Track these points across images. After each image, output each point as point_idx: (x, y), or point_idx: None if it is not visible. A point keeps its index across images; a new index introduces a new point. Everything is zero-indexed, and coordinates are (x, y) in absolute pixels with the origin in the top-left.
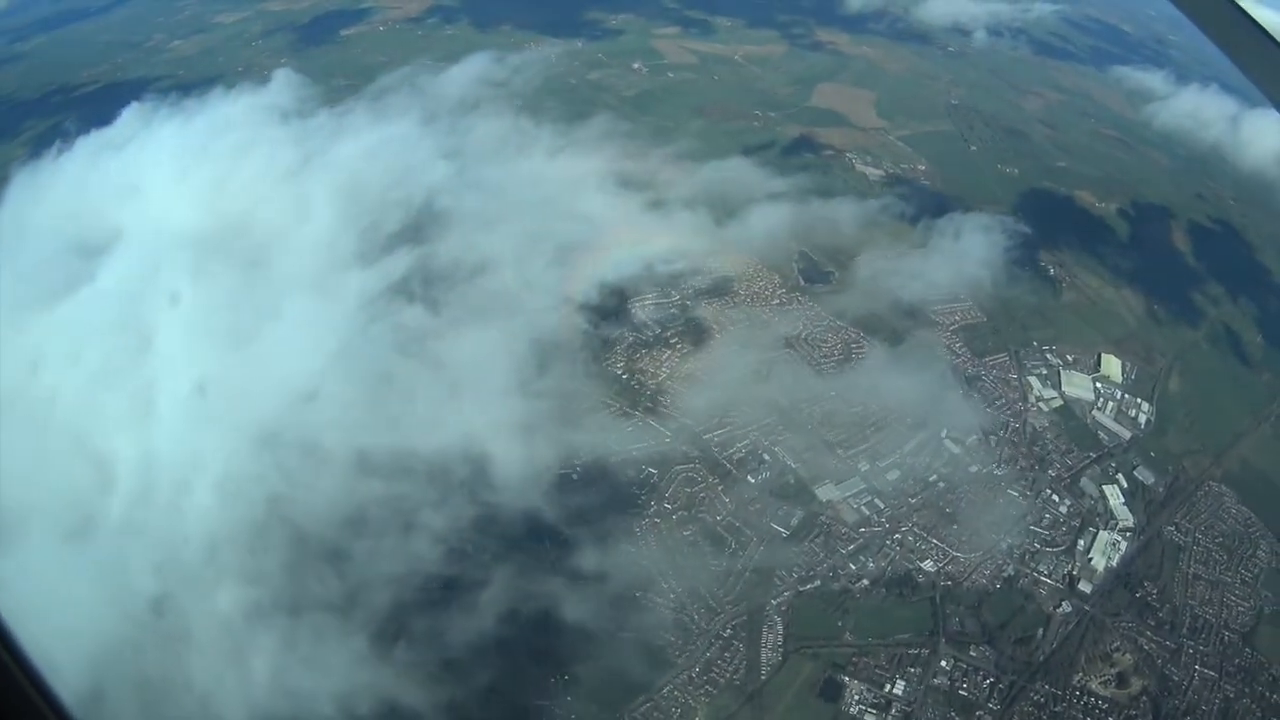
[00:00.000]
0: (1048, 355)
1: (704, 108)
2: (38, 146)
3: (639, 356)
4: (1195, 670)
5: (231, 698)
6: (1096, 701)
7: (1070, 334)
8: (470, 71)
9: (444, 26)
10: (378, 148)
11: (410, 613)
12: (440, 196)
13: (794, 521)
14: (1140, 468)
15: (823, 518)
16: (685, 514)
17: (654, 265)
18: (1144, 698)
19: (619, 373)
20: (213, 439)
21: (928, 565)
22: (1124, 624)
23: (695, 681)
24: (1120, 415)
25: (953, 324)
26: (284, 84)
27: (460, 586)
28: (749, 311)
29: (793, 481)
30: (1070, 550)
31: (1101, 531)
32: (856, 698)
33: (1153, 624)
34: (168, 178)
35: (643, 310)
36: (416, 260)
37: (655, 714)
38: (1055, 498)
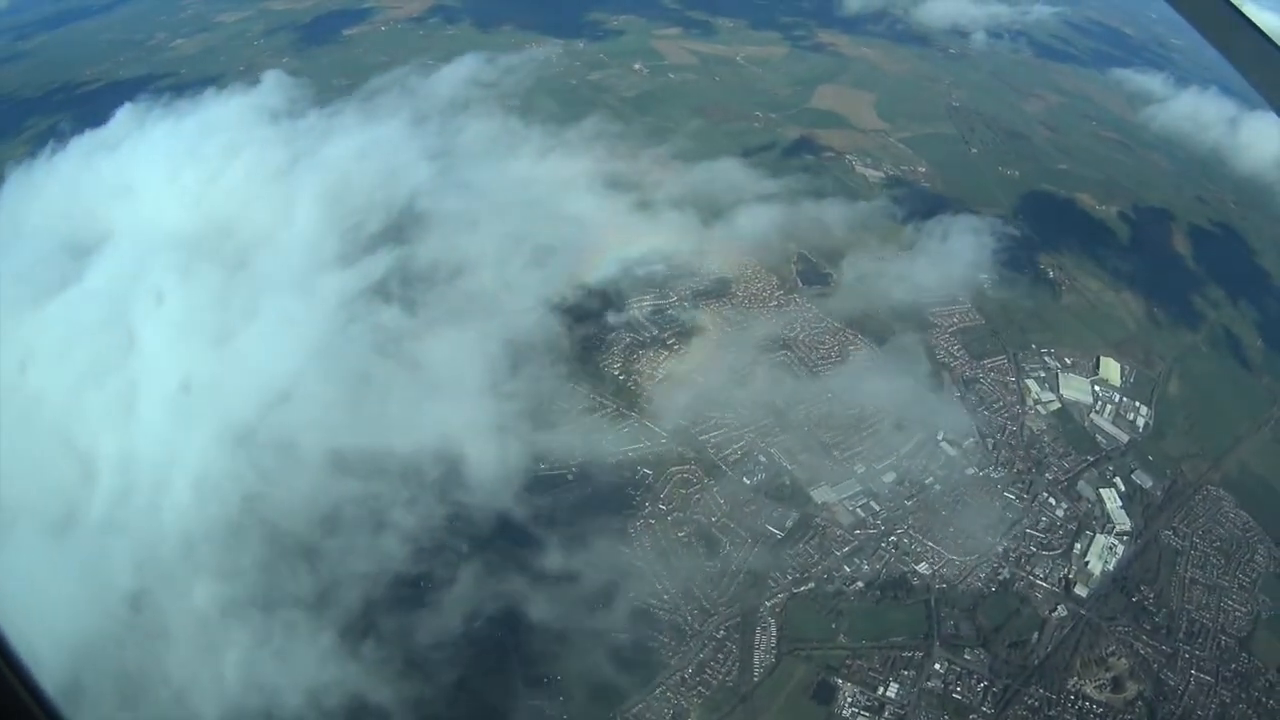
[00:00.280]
0: (1046, 358)
1: (704, 109)
2: (39, 144)
3: (636, 358)
4: (1191, 675)
5: (206, 691)
6: (1091, 706)
7: (1069, 337)
8: (464, 72)
9: (446, 26)
10: (366, 149)
11: (408, 610)
12: (425, 198)
13: (789, 523)
14: (1138, 471)
15: (818, 520)
16: (680, 515)
17: (651, 267)
18: (1139, 702)
19: (616, 374)
20: (191, 438)
21: (923, 568)
22: (1120, 628)
23: (688, 683)
24: (1118, 418)
25: (951, 326)
26: (275, 85)
27: (438, 585)
28: (746, 313)
29: (788, 483)
30: (1066, 554)
31: (1098, 535)
32: (849, 700)
33: (1149, 628)
34: (158, 178)
35: (640, 311)
36: (397, 261)
37: (648, 715)
38: (1052, 501)
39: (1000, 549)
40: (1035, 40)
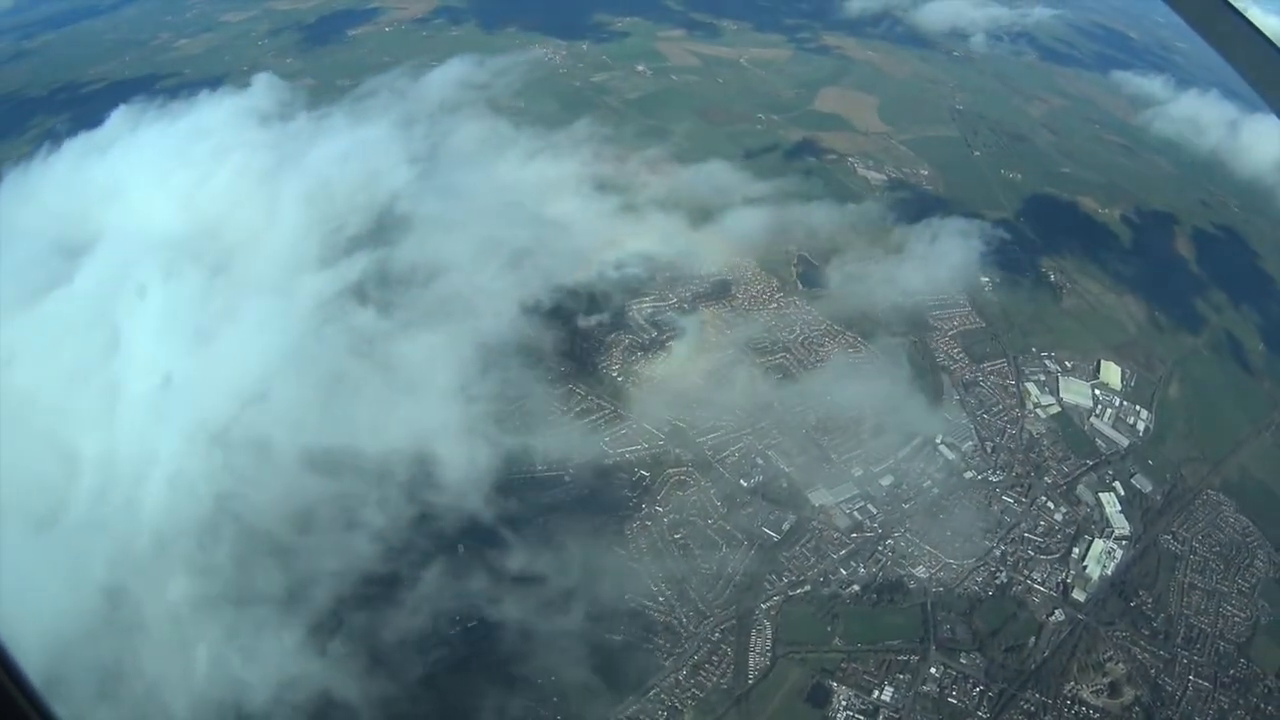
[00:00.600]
0: (1046, 361)
1: (707, 111)
2: (42, 144)
3: (636, 359)
4: (1189, 681)
5: (177, 685)
6: (1088, 711)
7: (1070, 340)
8: (464, 73)
9: (450, 27)
10: (352, 152)
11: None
12: (410, 201)
13: (785, 526)
14: (1138, 475)
15: (814, 522)
16: (676, 517)
17: (650, 269)
18: (1136, 708)
19: (615, 376)
20: (168, 436)
21: (920, 571)
22: (1118, 633)
23: (682, 685)
24: (1119, 422)
25: (951, 329)
26: (265, 88)
27: (424, 585)
28: (746, 315)
29: (785, 486)
30: (1065, 558)
31: (1097, 539)
32: (844, 703)
33: (1147, 633)
34: (147, 181)
35: (640, 314)
36: (375, 263)
37: (641, 717)
38: (1050, 505)
39: (998, 553)
40: (1039, 43)
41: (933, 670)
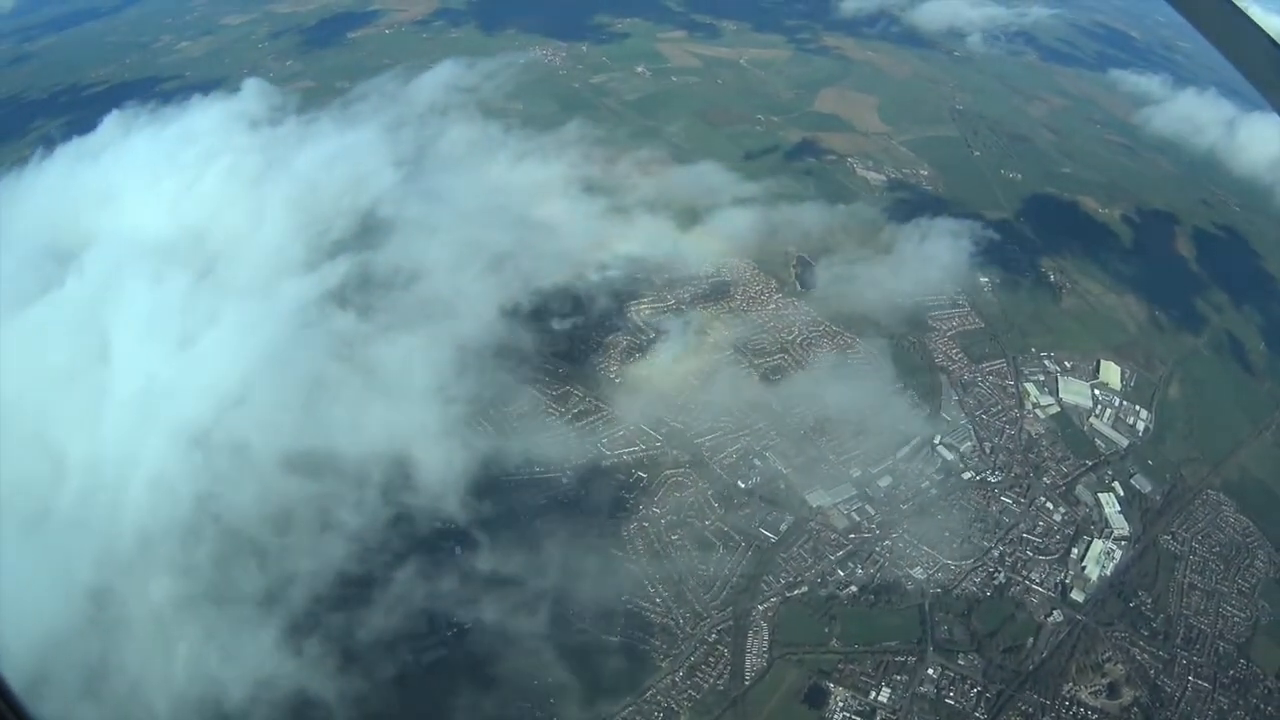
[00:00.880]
0: (1046, 362)
1: (706, 112)
2: (43, 146)
3: (634, 361)
4: (1189, 681)
5: (158, 683)
6: (1086, 712)
7: (1070, 340)
8: (458, 76)
9: (450, 29)
10: (343, 154)
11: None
12: (398, 205)
13: (783, 527)
14: (1137, 475)
15: (812, 523)
16: (673, 518)
17: (651, 271)
18: (1135, 709)
19: (612, 377)
20: (150, 438)
21: (917, 572)
22: (1117, 634)
23: (679, 686)
24: (1118, 422)
25: (950, 330)
26: (255, 92)
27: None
28: (744, 316)
29: (783, 487)
30: (1063, 558)
31: (1096, 540)
32: (841, 705)
33: (1146, 634)
34: (138, 186)
35: (639, 315)
36: (356, 267)
37: (638, 718)
38: (1049, 505)
39: (996, 553)
40: (1040, 43)
41: (930, 671)
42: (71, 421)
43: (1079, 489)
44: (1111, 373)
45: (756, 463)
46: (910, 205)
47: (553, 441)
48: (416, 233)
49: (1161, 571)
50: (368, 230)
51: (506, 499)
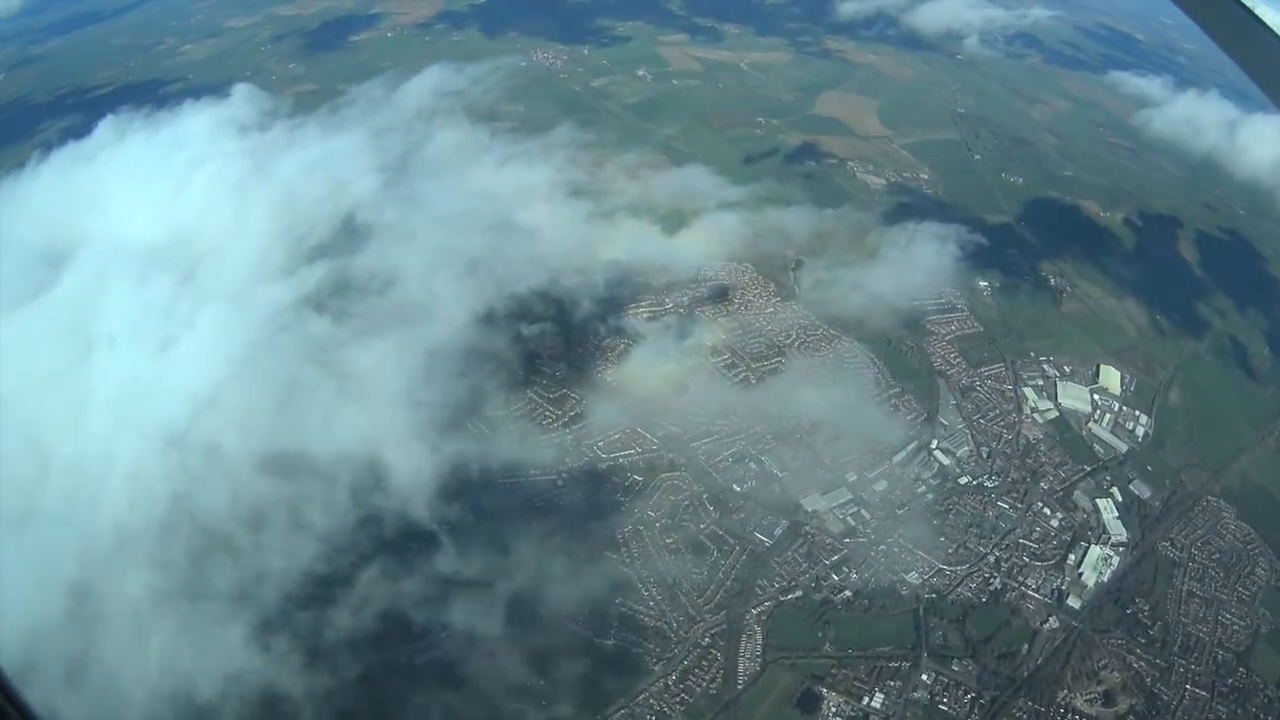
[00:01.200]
0: (1045, 366)
1: (706, 115)
2: (42, 150)
3: (631, 364)
4: (1186, 690)
5: (134, 674)
6: None
7: (1069, 345)
8: (458, 78)
9: (452, 32)
10: (323, 161)
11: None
12: (377, 210)
13: (778, 531)
14: (1136, 481)
15: (807, 528)
16: (668, 522)
17: (650, 275)
18: (1131, 717)
19: (608, 380)
20: (129, 439)
21: (912, 577)
22: (1113, 641)
23: (671, 689)
24: (1117, 428)
25: (949, 334)
26: (245, 98)
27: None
28: (743, 319)
29: (779, 491)
30: (1060, 565)
31: (1093, 546)
32: (834, 709)
33: (1143, 641)
34: (127, 190)
35: (638, 319)
36: (331, 272)
37: None
38: (1046, 511)
39: (992, 559)
40: (1043, 46)
41: (924, 677)
42: (57, 421)
43: (1077, 494)
44: (1111, 378)
45: (752, 466)
46: (910, 209)
47: (548, 444)
48: (395, 238)
49: (1160, 578)
50: (346, 235)
51: (499, 501)
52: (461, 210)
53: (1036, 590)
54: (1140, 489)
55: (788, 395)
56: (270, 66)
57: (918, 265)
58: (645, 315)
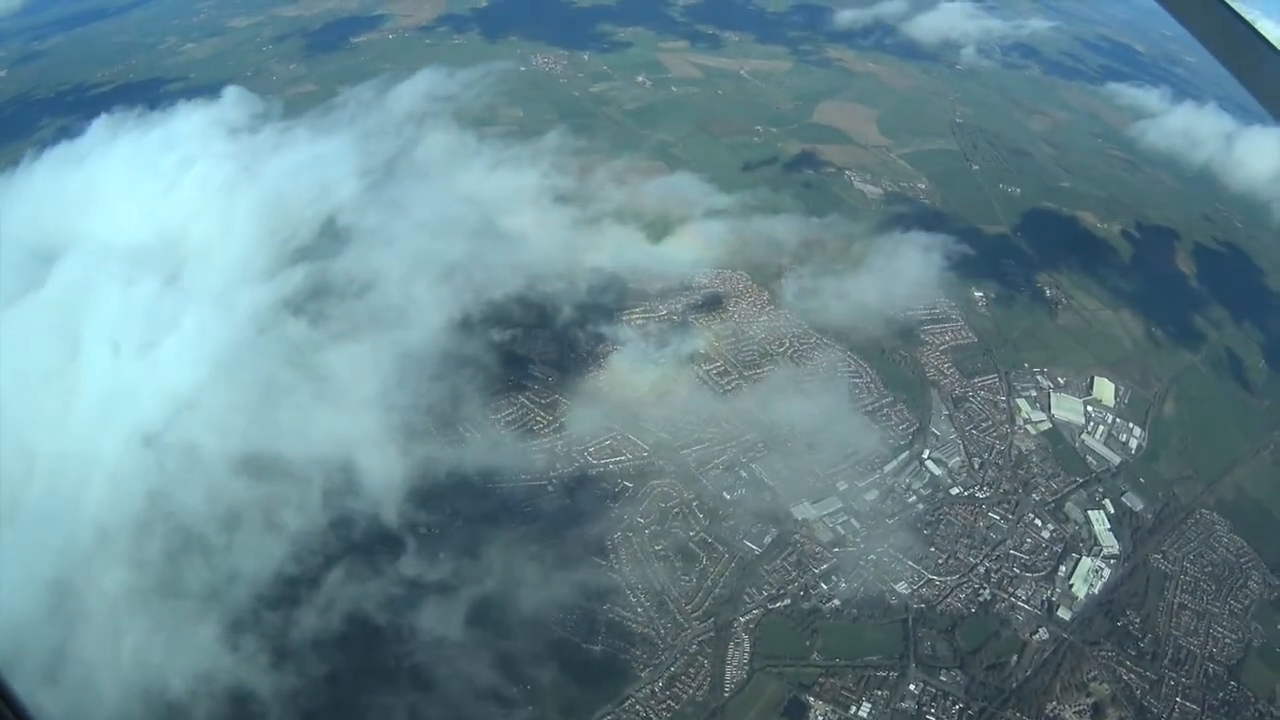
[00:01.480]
0: (1039, 377)
1: (705, 122)
2: (37, 148)
3: (621, 370)
4: (1176, 703)
5: (111, 671)
6: None
7: (1063, 356)
8: (457, 81)
9: (453, 35)
10: (309, 164)
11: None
12: (363, 214)
13: (767, 539)
14: (1129, 493)
15: (796, 536)
16: (658, 529)
17: (644, 282)
18: None
19: (600, 386)
20: (110, 438)
21: (901, 587)
22: (1103, 653)
23: (658, 696)
24: (1110, 439)
25: (943, 344)
26: (236, 99)
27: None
28: (736, 327)
29: (769, 499)
30: (1051, 576)
31: (1084, 558)
32: (821, 719)
33: (1133, 654)
34: (117, 190)
35: (630, 325)
36: (308, 276)
37: None
38: (1038, 522)
39: (982, 570)
40: (1043, 57)
41: (912, 687)
42: (43, 420)
43: (1069, 506)
44: (1105, 389)
45: (742, 474)
46: (906, 219)
47: (538, 450)
48: (375, 242)
49: (1151, 591)
50: (327, 239)
51: (483, 506)
52: (445, 215)
53: (1026, 601)
54: (1133, 501)
55: (779, 403)
56: (271, 66)
57: (912, 275)
58: (637, 321)
